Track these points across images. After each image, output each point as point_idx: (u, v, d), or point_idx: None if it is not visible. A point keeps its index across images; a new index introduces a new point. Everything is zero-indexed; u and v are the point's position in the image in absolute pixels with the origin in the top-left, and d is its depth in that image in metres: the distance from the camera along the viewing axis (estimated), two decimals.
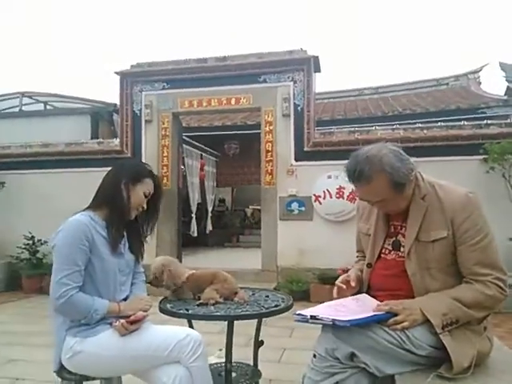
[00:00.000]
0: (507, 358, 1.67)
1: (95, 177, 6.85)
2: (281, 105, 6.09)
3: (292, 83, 6.10)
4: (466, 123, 5.67)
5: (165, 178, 6.46)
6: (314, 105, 6.17)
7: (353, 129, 6.13)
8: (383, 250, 1.72)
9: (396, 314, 1.49)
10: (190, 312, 1.83)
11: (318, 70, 6.27)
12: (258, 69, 6.20)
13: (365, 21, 51.26)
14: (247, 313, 1.83)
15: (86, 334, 1.64)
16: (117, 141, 6.78)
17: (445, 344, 1.44)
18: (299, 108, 6.06)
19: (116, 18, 55.08)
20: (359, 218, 1.87)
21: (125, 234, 1.83)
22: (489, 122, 5.65)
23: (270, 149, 6.16)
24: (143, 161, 6.45)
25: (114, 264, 1.72)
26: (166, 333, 1.65)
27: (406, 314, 1.49)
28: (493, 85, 12.25)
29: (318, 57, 6.08)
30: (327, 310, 1.55)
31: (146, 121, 6.54)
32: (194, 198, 9.44)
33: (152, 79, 6.53)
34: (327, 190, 5.85)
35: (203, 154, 10.17)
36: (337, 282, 1.72)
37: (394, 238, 1.70)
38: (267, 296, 2.15)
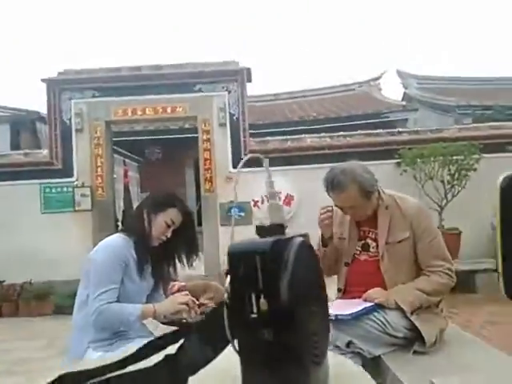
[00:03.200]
0: (453, 331, 2.17)
1: (23, 190, 6.38)
2: (217, 114, 6.31)
3: (227, 93, 6.36)
4: (381, 131, 6.46)
5: (100, 189, 6.32)
6: (248, 114, 6.50)
7: (285, 137, 6.58)
8: (356, 252, 2.11)
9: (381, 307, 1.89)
10: None
11: (249, 80, 6.62)
12: (194, 78, 6.35)
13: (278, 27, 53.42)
14: None
15: (107, 349, 1.72)
16: (45, 152, 6.45)
17: (417, 326, 1.87)
18: (234, 117, 6.35)
19: (42, 22, 50.02)
20: (334, 223, 2.22)
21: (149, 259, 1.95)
22: (400, 129, 6.49)
23: (208, 157, 6.35)
24: (76, 172, 6.27)
25: (139, 286, 1.85)
26: None
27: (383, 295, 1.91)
28: (391, 91, 13.78)
29: (249, 68, 6.44)
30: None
31: (76, 130, 6.32)
32: (120, 205, 9.24)
33: (81, 87, 6.32)
34: (264, 195, 6.18)
35: (126, 160, 9.97)
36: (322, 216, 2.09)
37: (363, 241, 2.10)
38: None
